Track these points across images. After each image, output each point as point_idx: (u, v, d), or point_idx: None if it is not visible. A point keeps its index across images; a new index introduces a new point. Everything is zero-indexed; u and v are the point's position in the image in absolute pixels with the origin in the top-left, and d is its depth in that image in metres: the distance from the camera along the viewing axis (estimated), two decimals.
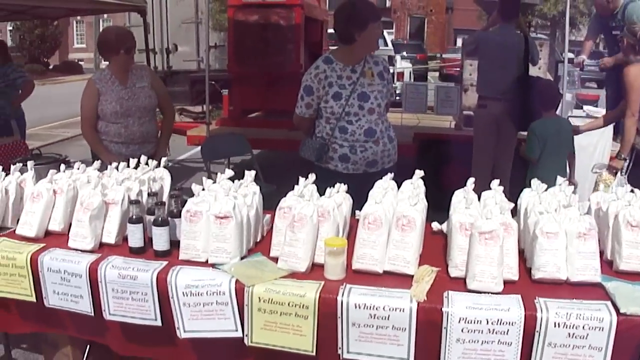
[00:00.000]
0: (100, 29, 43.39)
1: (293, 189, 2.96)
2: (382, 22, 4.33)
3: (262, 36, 8.44)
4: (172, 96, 10.92)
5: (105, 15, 42.82)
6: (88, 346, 3.68)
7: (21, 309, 3.09)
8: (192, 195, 2.85)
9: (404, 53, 23.22)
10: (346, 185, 3.04)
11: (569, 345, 2.32)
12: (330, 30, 11.00)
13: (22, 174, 3.46)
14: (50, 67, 40.24)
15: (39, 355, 4.09)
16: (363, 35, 4.04)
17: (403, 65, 18.28)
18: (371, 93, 4.13)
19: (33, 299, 2.94)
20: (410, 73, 18.30)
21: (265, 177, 6.29)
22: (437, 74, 30.00)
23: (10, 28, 42.32)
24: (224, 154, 6.96)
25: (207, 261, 2.74)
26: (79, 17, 42.97)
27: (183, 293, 2.59)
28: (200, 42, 12.84)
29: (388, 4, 45.21)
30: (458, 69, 25.20)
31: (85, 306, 2.82)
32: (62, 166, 3.46)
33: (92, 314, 2.81)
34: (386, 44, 21.14)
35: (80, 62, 43.46)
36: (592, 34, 8.60)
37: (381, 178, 3.21)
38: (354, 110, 4.09)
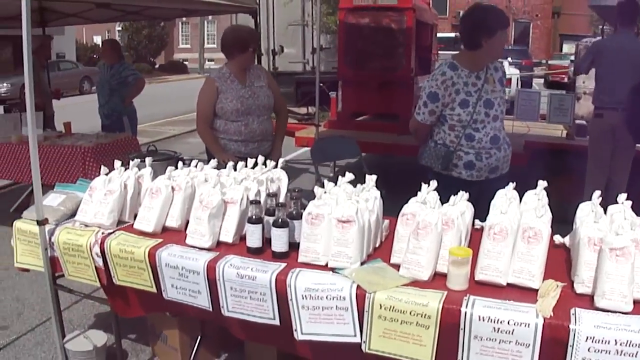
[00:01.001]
0: (205, 30, 44.39)
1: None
2: None
3: (373, 39, 8.40)
4: None
5: (210, 17, 43.96)
6: (199, 337, 3.76)
7: (139, 296, 3.23)
8: (308, 196, 2.83)
9: (509, 59, 22.74)
10: (467, 193, 2.95)
11: None
12: (440, 34, 10.88)
13: (139, 169, 3.52)
14: (156, 66, 41.51)
15: (147, 347, 4.19)
16: (490, 42, 3.94)
17: (511, 71, 17.88)
18: (494, 100, 4.05)
19: (154, 289, 3.03)
20: (517, 79, 17.91)
21: None
22: (542, 80, 29.29)
23: (119, 28, 43.94)
24: (333, 156, 6.93)
25: (326, 265, 2.71)
26: (184, 19, 44.15)
27: (302, 296, 2.56)
28: (306, 44, 12.93)
29: None
30: (564, 76, 24.72)
31: (203, 301, 2.87)
32: (180, 163, 3.51)
33: (211, 309, 2.86)
34: None
35: (184, 62, 44.69)
36: None
37: (500, 184, 3.12)
38: (481, 118, 4.01)
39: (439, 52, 11.26)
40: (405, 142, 7.13)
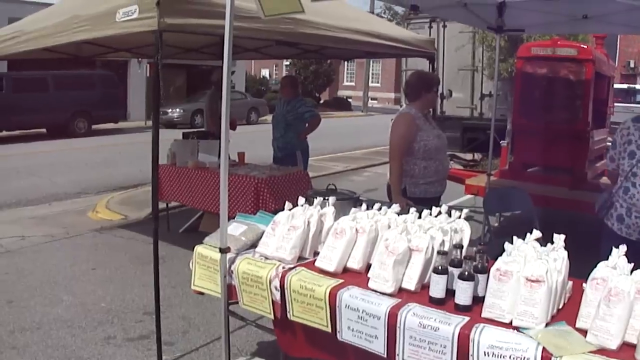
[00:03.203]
0: (370, 69, 44.87)
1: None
2: None
3: (550, 90, 8.27)
4: None
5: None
6: None
7: (308, 335, 3.28)
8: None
9: None
10: None
11: None
12: (617, 86, 10.51)
13: (322, 208, 3.62)
14: (321, 101, 42.42)
15: None
16: None
17: None
18: None
19: (329, 329, 3.06)
20: None
21: None
22: None
23: (287, 64, 45.27)
24: (505, 207, 6.83)
25: (510, 322, 2.68)
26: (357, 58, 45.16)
27: (485, 352, 2.54)
28: (474, 89, 12.83)
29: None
30: None
31: (378, 347, 2.87)
32: (364, 205, 3.59)
33: (385, 355, 2.86)
34: None
35: (348, 99, 45.42)
36: None
37: None
38: None
39: (615, 104, 10.87)
40: (577, 197, 6.94)
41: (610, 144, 4.23)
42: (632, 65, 38.28)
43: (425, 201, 3.96)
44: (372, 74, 48.48)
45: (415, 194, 4.94)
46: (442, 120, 11.96)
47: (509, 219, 8.09)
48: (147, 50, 8.12)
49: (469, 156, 10.86)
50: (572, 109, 8.24)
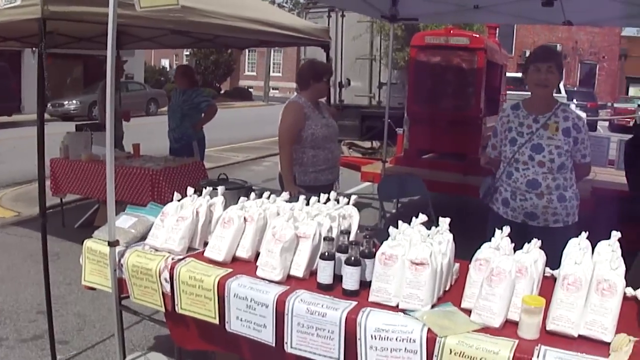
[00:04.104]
0: (272, 59, 44.93)
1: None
2: None
3: (443, 78, 8.42)
4: (342, 130, 11.13)
5: (277, 47, 44.53)
6: None
7: (200, 327, 3.20)
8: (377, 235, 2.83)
9: (575, 100, 22.48)
10: (540, 241, 2.91)
11: None
12: (508, 74, 10.83)
13: (211, 197, 3.57)
14: (222, 92, 42.08)
15: None
16: (527, 78, 4.13)
17: (578, 113, 17.63)
18: (547, 146, 4.07)
19: (216, 321, 3.02)
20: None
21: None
22: (606, 123, 28.82)
23: (187, 53, 44.69)
24: (400, 193, 6.94)
25: (397, 306, 2.70)
26: (254, 47, 44.85)
27: (372, 336, 2.55)
28: (372, 78, 12.97)
29: (559, 48, 44.05)
30: (630, 119, 24.29)
31: (267, 336, 2.85)
32: (252, 194, 3.55)
33: (274, 344, 2.83)
34: (559, 90, 20.58)
35: (249, 89, 45.24)
36: None
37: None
38: (523, 159, 4.10)
39: (508, 92, 11.17)
40: (471, 182, 7.09)
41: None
42: (527, 54, 39.63)
43: (317, 189, 3.96)
44: (274, 63, 48.43)
45: (305, 182, 4.95)
46: (341, 109, 12.07)
47: (406, 205, 8.20)
48: (37, 39, 7.84)
49: (367, 144, 10.97)
50: (465, 97, 8.41)
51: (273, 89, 43.84)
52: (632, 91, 40.66)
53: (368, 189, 9.28)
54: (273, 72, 46.94)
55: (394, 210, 8.22)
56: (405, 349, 2.50)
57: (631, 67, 44.72)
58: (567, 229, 4.02)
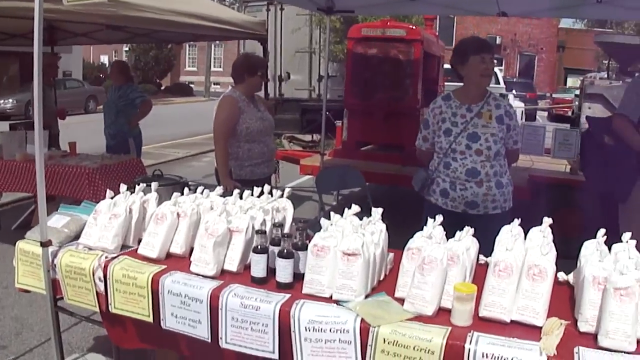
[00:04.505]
0: (212, 54, 44.57)
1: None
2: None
3: (380, 70, 8.42)
4: (282, 123, 11.14)
5: (218, 41, 44.26)
6: None
7: (137, 326, 3.14)
8: (312, 227, 2.82)
9: (514, 91, 22.87)
10: (473, 229, 2.93)
11: None
12: (446, 66, 10.95)
13: (145, 194, 3.51)
14: (162, 87, 41.62)
15: None
16: (466, 69, 4.13)
17: (516, 104, 17.96)
18: (482, 135, 4.11)
19: (150, 319, 2.97)
20: (522, 112, 17.98)
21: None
22: (545, 113, 29.40)
23: (127, 49, 44.10)
24: (338, 185, 6.94)
25: (331, 297, 2.69)
26: (192, 42, 44.32)
27: (306, 328, 2.55)
28: (312, 71, 12.97)
29: (498, 40, 44.70)
30: (568, 109, 24.78)
31: (202, 332, 2.82)
32: (186, 190, 3.50)
33: (209, 340, 2.81)
34: (498, 81, 20.91)
35: (190, 85, 44.84)
36: None
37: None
38: (461, 149, 4.12)
39: (446, 83, 11.26)
40: (409, 173, 7.09)
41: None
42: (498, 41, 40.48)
43: (253, 183, 3.93)
44: (214, 58, 48.07)
45: (241, 176, 4.93)
46: (281, 103, 12.05)
47: (346, 196, 8.22)
48: None
49: (308, 137, 10.97)
50: (402, 88, 8.42)
51: (214, 84, 43.44)
52: (570, 82, 41.41)
53: (309, 182, 9.26)
54: (214, 67, 46.58)
55: (334, 203, 8.23)
56: (340, 339, 2.50)
57: (569, 58, 45.60)
58: (505, 215, 4.08)
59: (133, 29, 7.01)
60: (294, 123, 11.57)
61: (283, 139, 10.93)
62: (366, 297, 2.69)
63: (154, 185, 3.58)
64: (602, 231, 2.85)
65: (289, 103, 12.42)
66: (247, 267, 2.98)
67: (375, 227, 2.91)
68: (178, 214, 3.25)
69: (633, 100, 4.82)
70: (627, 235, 2.79)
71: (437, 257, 2.55)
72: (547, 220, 2.95)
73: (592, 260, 2.69)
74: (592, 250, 2.84)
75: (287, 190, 3.42)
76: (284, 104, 12.17)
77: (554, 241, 3.00)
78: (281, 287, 2.80)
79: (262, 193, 3.37)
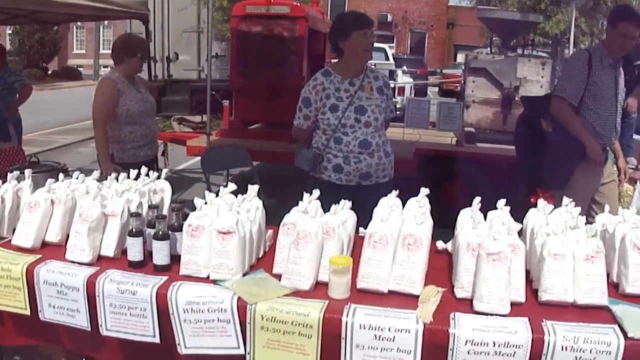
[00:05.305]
0: (101, 36, 43.33)
1: (294, 203, 2.91)
2: (384, 37, 4.36)
3: (265, 47, 8.34)
4: (171, 105, 10.93)
5: (106, 22, 43.04)
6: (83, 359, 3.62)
7: (15, 321, 3.01)
8: (192, 207, 2.79)
9: (405, 67, 23.23)
10: (350, 202, 2.97)
11: None
12: None
13: (19, 182, 3.38)
14: (49, 72, 40.13)
15: None
16: (347, 44, 4.13)
17: (404, 80, 18.25)
18: (369, 107, 4.17)
19: (27, 312, 2.85)
20: (411, 88, 18.29)
21: (264, 190, 6.19)
22: (436, 89, 30.05)
23: (10, 32, 42.27)
24: (224, 165, 6.89)
25: (208, 277, 2.67)
26: (79, 23, 42.85)
27: (184, 309, 2.52)
28: (201, 51, 12.81)
29: (389, 18, 45.33)
30: (457, 84, 25.37)
31: (81, 321, 2.74)
32: (61, 175, 3.39)
33: (89, 329, 2.74)
34: (387, 58, 21.19)
35: (79, 68, 43.45)
36: None
37: (376, 192, 3.21)
38: (350, 123, 4.14)
39: (332, 60, 11.31)
40: (296, 150, 7.12)
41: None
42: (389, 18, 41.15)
43: (137, 166, 3.84)
44: (104, 40, 46.56)
45: (124, 159, 4.84)
46: (170, 84, 11.83)
47: (237, 176, 8.16)
48: None
49: (198, 118, 10.79)
50: (288, 66, 8.38)
51: (104, 67, 42.04)
52: (460, 58, 42.36)
53: (199, 164, 9.18)
54: (103, 49, 44.99)
55: (225, 184, 8.17)
56: (218, 319, 2.49)
57: (458, 35, 46.73)
58: (391, 183, 4.19)
59: (9, 9, 6.71)
60: (183, 104, 11.36)
61: (172, 121, 10.72)
62: (244, 275, 2.69)
63: (27, 172, 3.45)
64: (477, 199, 2.93)
65: (178, 84, 12.18)
66: (125, 252, 2.91)
67: (251, 205, 2.90)
68: (52, 201, 3.14)
69: (572, 81, 4.74)
70: (501, 202, 2.89)
71: (312, 231, 2.57)
72: (424, 191, 3.01)
73: (466, 227, 2.78)
74: (467, 217, 2.92)
75: (164, 171, 3.38)
76: (173, 85, 11.94)
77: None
78: (158, 270, 2.75)
79: (138, 175, 3.30)
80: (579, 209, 2.88)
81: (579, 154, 4.73)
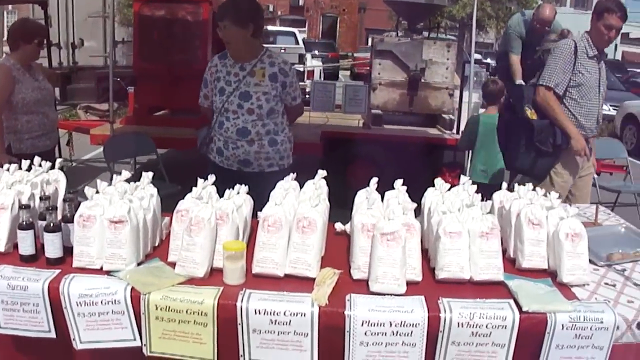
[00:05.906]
0: (5, 21, 41.91)
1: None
2: (295, 21, 4.35)
3: (168, 32, 8.15)
4: (77, 93, 10.62)
5: (10, 7, 41.50)
6: None
7: None
8: (86, 197, 2.73)
9: (316, 52, 23.29)
10: (247, 187, 2.96)
11: (473, 344, 2.35)
12: None
13: None
14: None
15: None
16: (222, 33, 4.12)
17: (313, 63, 18.27)
18: (255, 93, 4.14)
19: None
20: (320, 71, 18.33)
21: (170, 177, 6.14)
22: (348, 72, 30.24)
23: None
24: (128, 153, 6.79)
25: (101, 268, 2.62)
26: None
27: (77, 303, 2.46)
28: (107, 37, 12.46)
29: (301, 2, 45.31)
30: (368, 68, 25.61)
31: None
32: None
33: None
34: (297, 42, 21.18)
35: None
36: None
37: (269, 180, 3.23)
38: (233, 108, 4.14)
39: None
40: None
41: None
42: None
43: (35, 156, 3.71)
44: (7, 26, 45.13)
45: (22, 150, 4.67)
46: (75, 71, 11.49)
47: (145, 164, 8.03)
48: None
49: (105, 106, 10.52)
50: (191, 51, 8.24)
51: (6, 54, 40.81)
52: (371, 41, 42.84)
53: None
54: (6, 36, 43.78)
55: (132, 173, 8.03)
56: (113, 311, 2.45)
57: (370, 19, 46.98)
58: (283, 172, 4.10)
59: None
60: (89, 92, 11.03)
61: (78, 110, 10.42)
62: (139, 264, 2.66)
63: None
64: (374, 179, 2.97)
65: (84, 71, 11.83)
66: (17, 246, 2.81)
67: (144, 192, 2.86)
68: None
69: (558, 70, 4.77)
70: (398, 182, 2.93)
71: (205, 217, 2.55)
72: (321, 173, 3.04)
73: (362, 208, 2.81)
74: (362, 198, 2.95)
75: (58, 161, 3.29)
76: (79, 73, 11.59)
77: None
78: (51, 263, 2.68)
79: (31, 166, 3.20)
80: (474, 187, 2.96)
81: (562, 145, 4.81)
